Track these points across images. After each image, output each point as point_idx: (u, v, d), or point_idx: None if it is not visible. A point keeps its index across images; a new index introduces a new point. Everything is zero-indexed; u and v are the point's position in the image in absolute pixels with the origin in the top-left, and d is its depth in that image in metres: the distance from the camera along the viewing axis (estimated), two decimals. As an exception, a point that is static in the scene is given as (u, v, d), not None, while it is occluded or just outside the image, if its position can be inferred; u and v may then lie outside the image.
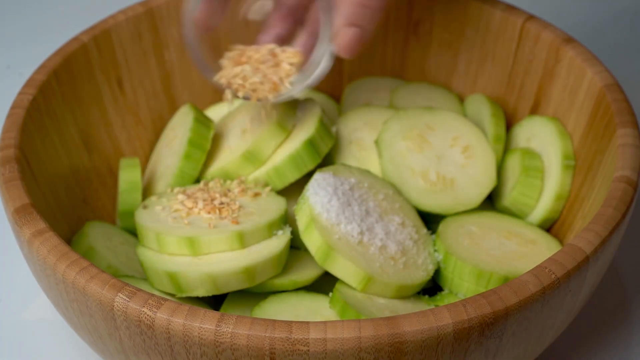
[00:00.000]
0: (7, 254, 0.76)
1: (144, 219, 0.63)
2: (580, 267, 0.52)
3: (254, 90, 0.66)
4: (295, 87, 0.66)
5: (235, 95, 0.66)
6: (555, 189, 0.69)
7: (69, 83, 0.70)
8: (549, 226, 0.70)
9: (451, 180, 0.70)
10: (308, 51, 0.67)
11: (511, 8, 0.75)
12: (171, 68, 0.79)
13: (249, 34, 0.71)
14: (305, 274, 0.63)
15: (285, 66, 0.66)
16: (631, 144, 0.61)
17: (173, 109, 0.80)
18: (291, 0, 0.69)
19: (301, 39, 0.69)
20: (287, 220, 0.66)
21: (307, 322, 0.47)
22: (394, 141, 0.71)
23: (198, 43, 0.66)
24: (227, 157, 0.70)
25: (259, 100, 0.66)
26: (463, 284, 0.63)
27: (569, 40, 0.71)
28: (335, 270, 0.60)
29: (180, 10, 0.65)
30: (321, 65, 0.65)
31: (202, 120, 0.72)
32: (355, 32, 0.62)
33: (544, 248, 0.66)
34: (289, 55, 0.67)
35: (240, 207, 0.64)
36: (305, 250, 0.63)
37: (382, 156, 0.70)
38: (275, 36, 0.69)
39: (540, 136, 0.72)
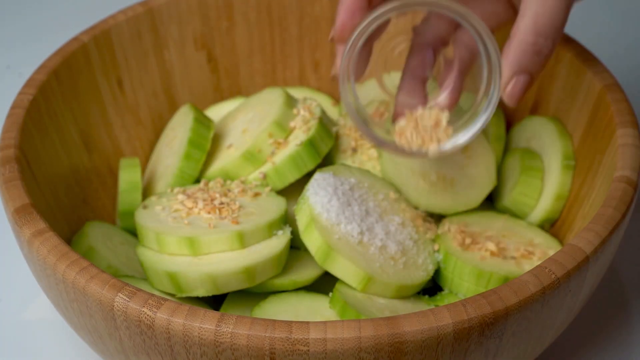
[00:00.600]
0: (7, 254, 0.76)
1: (144, 219, 0.63)
2: (580, 267, 0.52)
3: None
4: (459, 139, 0.62)
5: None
6: (555, 189, 0.69)
7: (69, 83, 0.70)
8: (549, 226, 0.70)
9: (451, 180, 0.70)
10: (456, 91, 0.64)
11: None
12: (171, 68, 0.79)
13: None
14: (305, 274, 0.63)
15: (443, 123, 0.63)
16: (631, 144, 0.61)
17: (173, 109, 0.80)
18: (429, 37, 0.64)
19: (448, 79, 0.65)
20: (287, 220, 0.66)
21: (307, 322, 0.47)
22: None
23: (365, 123, 0.63)
24: (227, 157, 0.70)
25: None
26: (463, 284, 0.63)
27: (569, 40, 0.71)
28: (335, 270, 0.60)
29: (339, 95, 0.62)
30: (487, 114, 0.61)
31: (202, 120, 0.72)
32: (526, 80, 0.58)
33: (544, 248, 0.66)
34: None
35: (240, 207, 0.64)
36: (305, 250, 0.63)
37: (382, 156, 0.70)
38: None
39: (540, 136, 0.72)
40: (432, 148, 0.62)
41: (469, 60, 0.64)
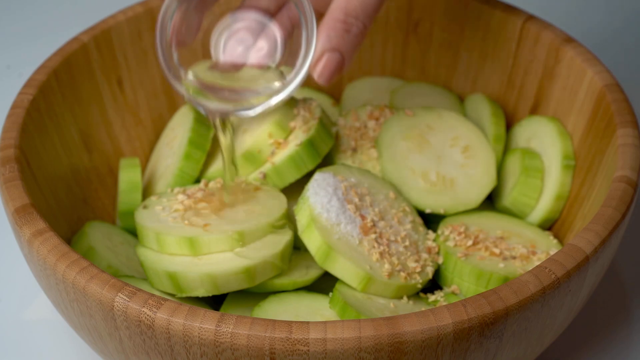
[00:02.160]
0: (7, 254, 0.76)
1: (144, 219, 0.63)
2: (580, 267, 0.52)
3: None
4: (262, 104, 0.62)
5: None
6: (555, 189, 0.69)
7: (69, 83, 0.70)
8: (549, 226, 0.70)
9: (451, 180, 0.70)
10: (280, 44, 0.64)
11: (511, 8, 0.75)
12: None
13: None
14: (305, 274, 0.63)
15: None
16: (631, 144, 0.61)
17: (173, 109, 0.80)
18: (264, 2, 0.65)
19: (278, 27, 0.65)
20: (287, 219, 0.66)
21: (307, 322, 0.48)
22: (394, 141, 0.71)
23: (168, 50, 0.63)
24: (227, 157, 0.70)
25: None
26: (463, 284, 0.63)
27: (569, 40, 0.71)
28: (335, 271, 0.60)
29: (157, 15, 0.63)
30: (295, 84, 0.61)
31: (202, 120, 0.72)
32: (336, 58, 0.59)
33: (544, 248, 0.66)
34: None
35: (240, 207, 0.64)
36: (305, 250, 0.63)
37: (382, 156, 0.70)
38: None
39: (540, 136, 0.72)
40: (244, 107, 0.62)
41: (290, 31, 0.64)
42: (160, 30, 0.61)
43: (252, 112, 0.62)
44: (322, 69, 0.59)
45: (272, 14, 0.65)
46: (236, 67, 0.65)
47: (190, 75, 0.64)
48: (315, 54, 0.59)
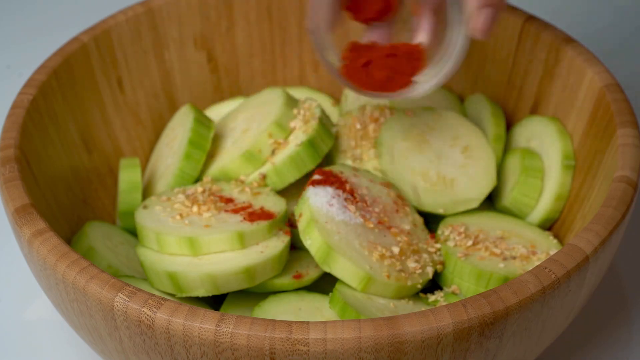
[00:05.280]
0: (7, 254, 0.76)
1: (144, 219, 0.64)
2: (580, 267, 0.52)
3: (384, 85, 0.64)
4: (432, 80, 0.62)
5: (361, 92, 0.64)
6: (555, 189, 0.69)
7: (69, 83, 0.70)
8: (549, 226, 0.70)
9: (451, 180, 0.70)
10: (433, 34, 0.65)
11: (511, 8, 0.75)
12: (171, 68, 0.79)
13: None
14: (305, 274, 0.63)
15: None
16: (631, 144, 0.61)
17: (173, 109, 0.80)
18: None
19: (423, 22, 0.65)
20: (287, 220, 0.66)
21: (307, 322, 0.48)
22: (394, 141, 0.71)
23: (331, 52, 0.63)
24: (227, 157, 0.70)
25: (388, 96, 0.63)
26: (463, 284, 0.63)
27: (569, 40, 0.71)
28: (335, 271, 0.60)
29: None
30: (457, 52, 0.61)
31: (202, 120, 0.72)
32: (491, 12, 0.59)
33: (544, 248, 0.66)
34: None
35: (240, 207, 0.64)
36: (305, 250, 0.63)
37: (382, 156, 0.70)
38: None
39: (540, 136, 0.72)
40: (403, 90, 0.62)
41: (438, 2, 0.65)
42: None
43: (425, 88, 0.63)
44: (480, 24, 0.60)
45: None
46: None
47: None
48: (470, 13, 0.59)
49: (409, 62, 0.64)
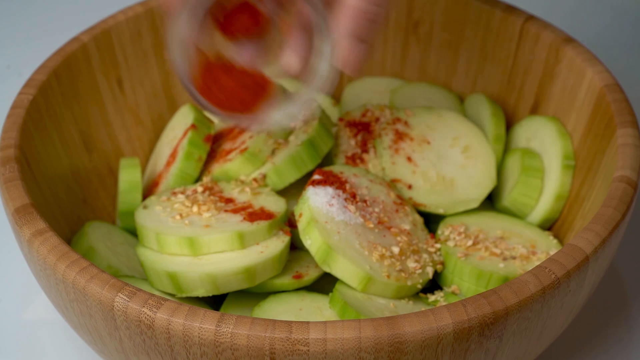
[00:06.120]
0: (7, 254, 0.76)
1: (144, 219, 0.64)
2: (580, 267, 0.52)
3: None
4: (285, 109, 0.59)
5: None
6: (555, 189, 0.69)
7: (69, 83, 0.70)
8: (549, 226, 0.70)
9: (451, 180, 0.70)
10: (302, 56, 0.61)
11: (511, 8, 0.75)
12: (171, 68, 0.79)
13: None
14: (305, 274, 0.63)
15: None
16: (631, 144, 0.61)
17: (173, 109, 0.80)
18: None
19: (293, 42, 0.61)
20: (287, 220, 0.66)
21: (307, 322, 0.48)
22: (393, 141, 0.71)
23: (185, 61, 0.59)
24: (227, 157, 0.70)
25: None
26: (463, 284, 0.63)
27: (569, 40, 0.71)
28: (335, 271, 0.60)
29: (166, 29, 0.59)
30: (318, 82, 0.58)
31: (202, 120, 0.72)
32: (364, 48, 0.56)
33: (544, 248, 0.66)
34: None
35: (240, 207, 0.64)
36: (306, 250, 0.63)
37: (382, 156, 0.70)
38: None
39: (540, 136, 0.72)
40: (261, 116, 0.59)
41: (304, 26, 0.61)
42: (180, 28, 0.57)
43: (276, 118, 0.59)
44: (350, 59, 0.57)
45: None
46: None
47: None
48: (342, 48, 0.56)
49: (254, 91, 0.61)
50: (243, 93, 0.60)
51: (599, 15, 1.06)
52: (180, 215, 0.63)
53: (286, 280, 0.62)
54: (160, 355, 0.50)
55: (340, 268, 0.60)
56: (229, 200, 0.65)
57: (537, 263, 0.62)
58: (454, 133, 0.72)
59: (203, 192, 0.66)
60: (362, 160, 0.71)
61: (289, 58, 0.61)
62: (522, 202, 0.70)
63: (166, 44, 0.59)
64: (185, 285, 0.59)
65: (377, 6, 0.56)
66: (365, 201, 0.65)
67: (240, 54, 0.62)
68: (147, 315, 0.49)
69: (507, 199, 0.71)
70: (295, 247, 0.66)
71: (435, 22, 0.79)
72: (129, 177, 0.70)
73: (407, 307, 0.61)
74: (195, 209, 0.64)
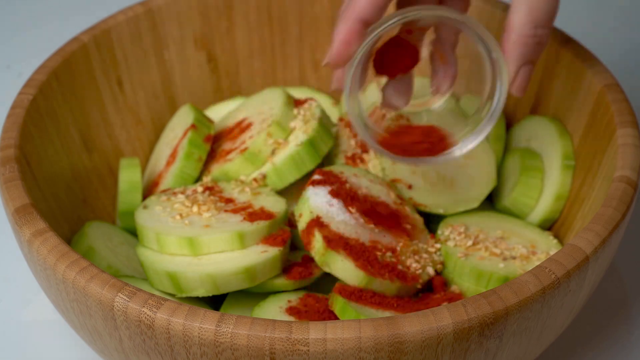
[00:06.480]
0: (7, 254, 0.76)
1: (144, 219, 0.64)
2: (580, 267, 0.52)
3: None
4: (471, 141, 0.62)
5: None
6: (555, 189, 0.69)
7: (69, 83, 0.70)
8: (549, 226, 0.70)
9: (451, 180, 0.70)
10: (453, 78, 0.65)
11: (511, 8, 0.75)
12: (171, 68, 0.79)
13: None
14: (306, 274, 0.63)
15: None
16: (631, 144, 0.61)
17: (173, 109, 0.80)
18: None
19: (448, 68, 0.65)
20: (287, 220, 0.66)
21: (307, 322, 0.48)
22: (394, 141, 0.71)
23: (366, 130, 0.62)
24: (227, 157, 0.70)
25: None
26: (463, 284, 0.63)
27: (569, 40, 0.71)
28: (335, 271, 0.60)
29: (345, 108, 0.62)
30: (497, 112, 0.60)
31: (202, 120, 0.72)
32: (530, 70, 0.59)
33: (544, 248, 0.66)
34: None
35: (240, 207, 0.64)
36: (305, 250, 0.63)
37: (382, 156, 0.70)
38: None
39: (540, 136, 0.72)
40: (442, 155, 0.62)
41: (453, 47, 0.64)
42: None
43: (463, 151, 0.62)
44: (519, 83, 0.59)
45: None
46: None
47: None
48: (511, 73, 0.58)
49: (438, 136, 0.64)
50: (428, 141, 0.63)
51: (599, 16, 1.06)
52: (180, 215, 0.63)
53: (286, 280, 0.62)
54: (160, 355, 0.50)
55: (340, 268, 0.60)
56: (229, 200, 0.65)
57: (537, 263, 0.62)
58: (454, 133, 0.72)
59: (203, 192, 0.66)
60: (362, 160, 0.71)
61: (441, 84, 0.65)
62: (522, 202, 0.70)
63: (348, 119, 0.62)
64: (185, 285, 0.59)
65: (543, 28, 0.58)
66: (365, 201, 0.65)
67: (392, 91, 0.64)
68: (147, 315, 0.49)
69: (507, 199, 0.71)
70: (296, 247, 0.66)
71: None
72: (129, 177, 0.70)
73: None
74: (195, 209, 0.64)
